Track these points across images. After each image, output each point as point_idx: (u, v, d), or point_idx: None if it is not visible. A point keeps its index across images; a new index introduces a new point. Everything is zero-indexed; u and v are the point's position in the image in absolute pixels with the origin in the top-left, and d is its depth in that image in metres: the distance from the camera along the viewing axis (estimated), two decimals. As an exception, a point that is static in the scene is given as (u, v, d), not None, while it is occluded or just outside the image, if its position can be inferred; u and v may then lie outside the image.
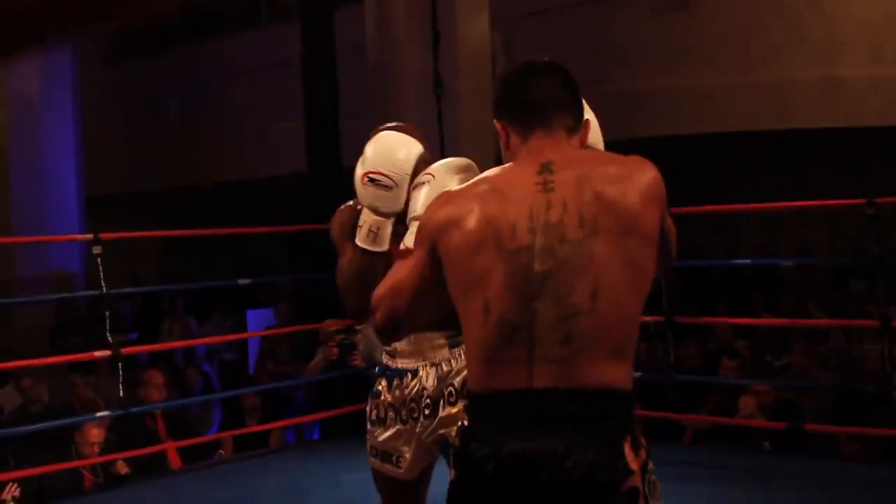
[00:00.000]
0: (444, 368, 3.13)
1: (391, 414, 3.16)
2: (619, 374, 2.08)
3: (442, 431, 3.11)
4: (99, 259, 6.08)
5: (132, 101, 15.47)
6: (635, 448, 2.08)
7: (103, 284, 5.92)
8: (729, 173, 11.73)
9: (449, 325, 2.98)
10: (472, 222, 2.13)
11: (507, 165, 2.26)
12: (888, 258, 6.04)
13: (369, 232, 3.00)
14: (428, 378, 3.13)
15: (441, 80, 8.54)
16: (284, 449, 7.36)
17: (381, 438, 3.18)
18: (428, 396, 3.13)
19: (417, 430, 3.14)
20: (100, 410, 6.47)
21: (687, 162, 12.13)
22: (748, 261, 9.22)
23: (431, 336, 3.11)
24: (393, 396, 3.16)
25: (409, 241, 2.58)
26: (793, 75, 10.20)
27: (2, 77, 12.47)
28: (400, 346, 3.14)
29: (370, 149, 3.03)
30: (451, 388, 3.11)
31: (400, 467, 3.18)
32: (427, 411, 3.13)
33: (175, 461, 6.77)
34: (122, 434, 6.67)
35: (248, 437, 7.35)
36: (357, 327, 7.71)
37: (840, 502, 5.37)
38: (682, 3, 10.79)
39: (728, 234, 12.44)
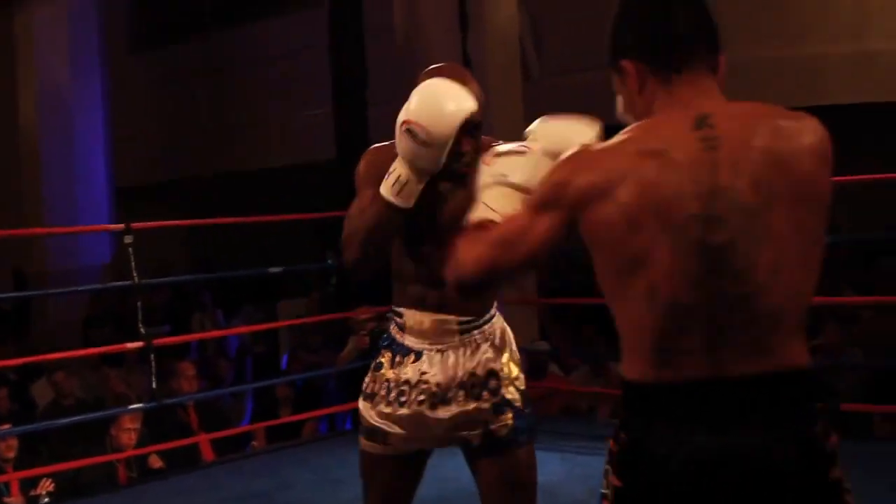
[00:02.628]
0: (452, 358, 2.94)
1: (383, 392, 2.98)
2: (804, 354, 1.84)
3: (464, 433, 2.97)
4: (130, 249, 6.06)
5: (161, 88, 15.48)
6: (830, 433, 1.84)
7: (135, 275, 5.90)
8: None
9: (467, 308, 2.92)
10: (626, 192, 1.80)
11: (653, 119, 1.90)
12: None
13: (396, 182, 2.75)
14: (432, 365, 2.94)
15: (470, 63, 8.49)
16: (317, 440, 7.33)
17: (368, 413, 3.01)
18: (426, 383, 2.94)
19: (406, 413, 2.96)
20: (132, 403, 6.46)
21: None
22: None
23: (445, 318, 2.93)
24: (395, 373, 2.98)
25: (484, 214, 2.14)
26: (824, 51, 10.09)
27: (32, 69, 12.51)
28: (411, 321, 2.95)
29: (416, 95, 2.75)
30: (472, 380, 2.95)
31: (388, 444, 3.01)
32: (422, 397, 2.94)
33: (208, 453, 6.77)
34: (154, 427, 6.67)
35: (281, 428, 7.34)
36: (388, 315, 7.68)
37: (875, 481, 5.28)
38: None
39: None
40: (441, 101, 2.72)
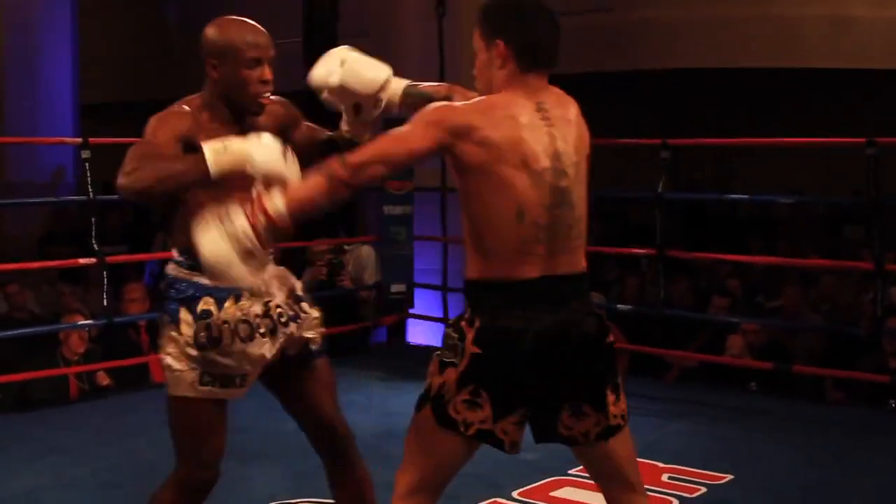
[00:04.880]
0: (276, 281, 3.14)
1: (227, 333, 3.00)
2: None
3: (308, 335, 3.17)
4: (87, 164, 5.99)
5: (130, 9, 15.28)
6: (601, 311, 2.77)
7: (90, 190, 5.84)
8: (732, 109, 11.64)
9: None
10: (498, 137, 2.56)
11: (508, 95, 2.64)
12: (886, 201, 5.97)
13: (223, 160, 2.85)
14: (271, 289, 3.10)
15: (445, 3, 8.42)
16: (268, 367, 7.32)
17: (220, 360, 3.01)
18: (278, 306, 3.09)
19: (276, 342, 3.07)
20: (85, 320, 6.43)
21: (690, 96, 12.03)
22: (744, 196, 9.12)
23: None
24: (228, 315, 3.01)
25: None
26: (802, 13, 10.06)
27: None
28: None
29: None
30: (302, 293, 3.21)
31: (244, 386, 3.09)
32: (283, 320, 3.09)
33: (158, 374, 6.74)
34: (105, 345, 6.64)
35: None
36: (346, 247, 7.67)
37: (822, 445, 5.35)
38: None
39: (725, 172, 12.37)
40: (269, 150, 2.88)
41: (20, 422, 5.55)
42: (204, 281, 2.98)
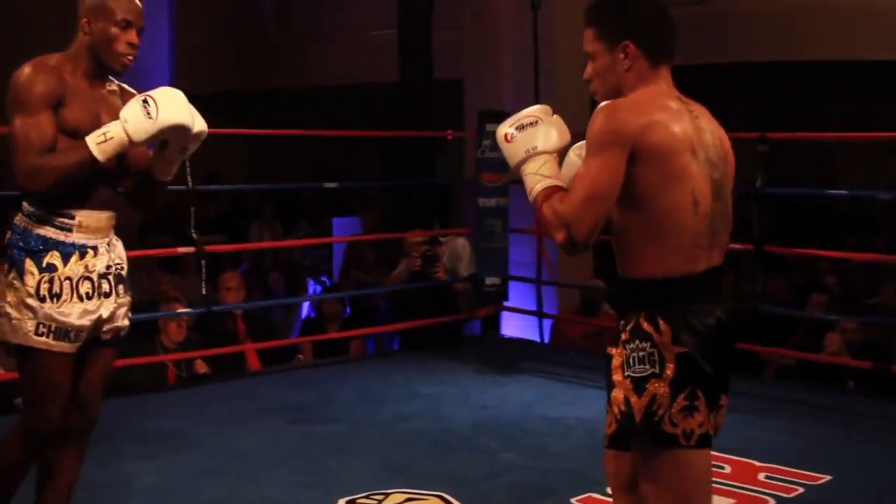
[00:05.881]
0: (114, 249, 3.34)
1: (68, 289, 3.21)
2: None
3: (120, 323, 3.36)
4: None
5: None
6: None
7: (189, 180, 5.90)
8: (831, 102, 11.45)
9: (113, 206, 3.33)
10: (671, 128, 2.54)
11: (651, 90, 2.63)
12: None
13: (108, 142, 3.12)
14: (110, 255, 3.32)
15: (538, 6, 8.40)
16: (364, 358, 7.37)
17: (57, 314, 3.19)
18: (109, 275, 3.31)
19: (108, 305, 3.30)
20: (183, 308, 6.52)
21: (788, 89, 11.86)
22: (843, 192, 8.95)
23: (107, 214, 3.30)
24: (71, 271, 3.22)
25: (544, 183, 2.65)
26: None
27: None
28: (79, 220, 3.23)
29: (158, 95, 3.18)
30: (121, 273, 3.37)
31: (78, 342, 3.25)
32: (107, 288, 3.30)
33: (254, 363, 6.82)
34: (203, 333, 6.72)
35: (329, 344, 7.38)
36: (442, 239, 7.69)
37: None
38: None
39: (825, 167, 12.17)
40: (177, 100, 3.19)
41: (119, 407, 5.62)
42: (51, 234, 3.21)
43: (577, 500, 4.31)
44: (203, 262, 6.24)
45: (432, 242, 7.55)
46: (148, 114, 3.12)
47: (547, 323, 8.01)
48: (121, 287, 3.37)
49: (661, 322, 2.52)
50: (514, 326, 8.02)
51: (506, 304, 7.78)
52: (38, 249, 3.21)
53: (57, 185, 3.13)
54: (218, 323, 6.82)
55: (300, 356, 7.30)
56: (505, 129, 2.76)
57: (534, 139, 2.71)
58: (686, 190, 2.51)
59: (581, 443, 5.16)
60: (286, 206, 13.25)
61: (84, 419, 3.41)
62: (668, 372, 2.50)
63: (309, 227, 12.26)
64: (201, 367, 6.43)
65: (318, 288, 9.58)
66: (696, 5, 10.54)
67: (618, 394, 2.57)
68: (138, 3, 3.32)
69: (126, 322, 3.41)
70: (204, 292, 6.34)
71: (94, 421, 3.45)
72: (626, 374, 2.55)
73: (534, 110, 2.78)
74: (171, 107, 3.17)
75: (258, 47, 15.05)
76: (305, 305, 8.72)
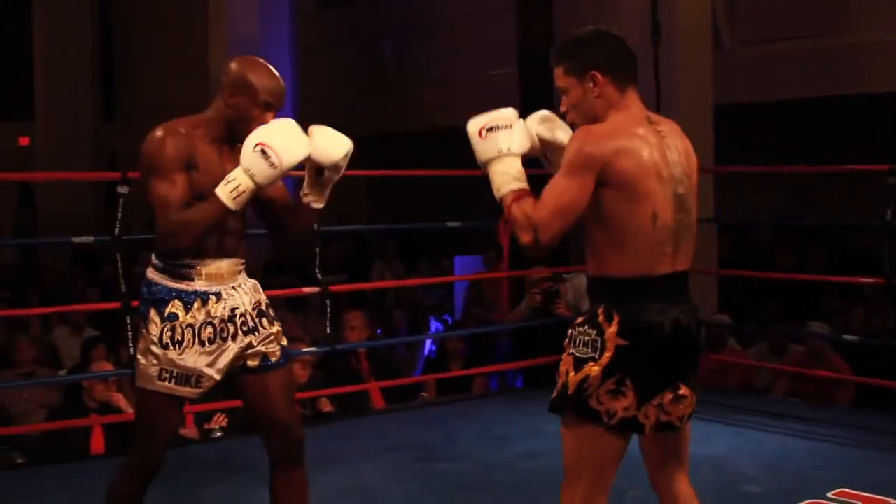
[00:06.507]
0: (246, 290, 3.44)
1: (189, 336, 3.33)
2: None
3: (266, 349, 3.43)
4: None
5: (347, 43, 15.64)
6: None
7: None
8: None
9: (240, 253, 3.44)
10: (639, 156, 2.83)
11: (622, 115, 2.91)
12: None
13: (235, 190, 3.21)
14: (240, 298, 3.41)
15: (659, 28, 8.33)
16: (487, 395, 7.36)
17: (179, 360, 3.33)
18: (243, 315, 3.40)
19: (235, 347, 3.38)
20: (306, 347, 6.59)
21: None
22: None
23: (231, 262, 3.41)
24: (193, 318, 3.34)
25: (514, 184, 2.97)
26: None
27: (223, 21, 12.80)
28: (199, 270, 3.35)
29: (275, 128, 3.27)
30: (267, 309, 3.49)
31: (200, 387, 3.39)
32: (245, 328, 3.40)
33: (378, 401, 6.85)
34: (327, 372, 6.78)
35: (452, 381, 7.38)
36: (565, 276, 7.66)
37: None
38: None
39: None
40: (292, 136, 3.26)
41: (245, 447, 5.69)
42: (174, 284, 3.35)
43: (706, 539, 4.23)
44: (327, 301, 6.30)
45: (555, 279, 7.53)
46: (271, 164, 3.20)
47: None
48: (264, 320, 3.47)
49: (614, 315, 2.85)
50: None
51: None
52: (162, 299, 3.36)
53: (198, 239, 3.26)
54: (342, 362, 6.87)
55: (424, 394, 7.31)
56: (479, 125, 3.04)
57: (507, 141, 3.01)
58: (646, 209, 2.84)
59: (709, 481, 5.07)
60: (408, 245, 13.34)
61: (287, 446, 3.49)
62: (604, 359, 2.84)
63: (430, 267, 12.31)
64: (325, 406, 6.48)
65: (440, 326, 9.59)
66: (829, 38, 10.42)
67: (562, 367, 2.94)
68: (282, 83, 3.43)
69: (274, 347, 3.47)
70: (328, 331, 6.40)
71: (297, 442, 3.51)
72: (570, 351, 2.93)
73: (506, 114, 3.06)
74: (291, 147, 3.24)
75: (378, 92, 15.21)
76: (428, 343, 8.74)
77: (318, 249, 6.20)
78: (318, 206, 3.46)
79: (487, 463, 5.41)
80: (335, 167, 3.39)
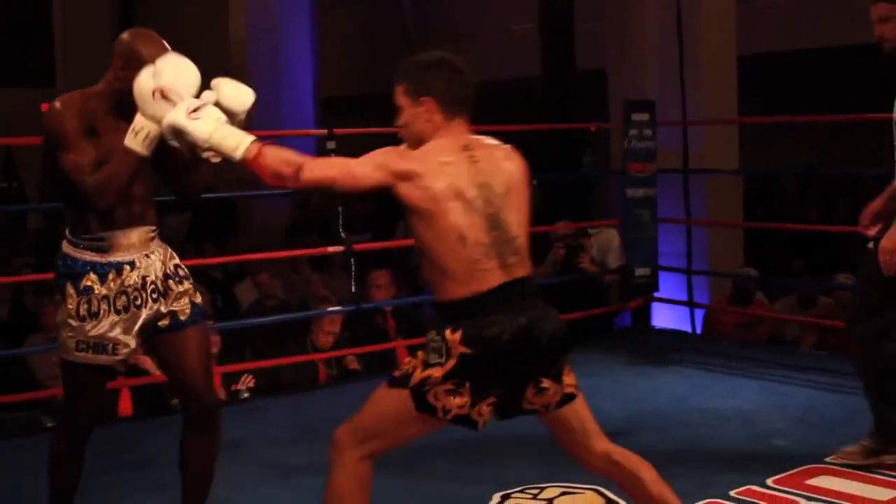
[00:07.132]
0: (159, 256, 3.51)
1: (104, 306, 3.41)
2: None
3: (175, 307, 3.51)
4: (332, 154, 6.11)
5: (367, 4, 15.56)
6: None
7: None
8: None
9: (149, 220, 3.50)
10: (436, 180, 3.00)
11: (440, 141, 3.08)
12: None
13: (146, 138, 3.28)
14: (151, 267, 3.48)
15: (681, 9, 8.28)
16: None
17: (94, 332, 3.41)
18: (153, 283, 3.47)
19: (144, 315, 3.45)
20: (332, 306, 6.58)
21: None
22: None
23: (141, 230, 3.47)
24: (108, 289, 3.41)
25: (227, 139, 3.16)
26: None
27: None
28: (112, 241, 3.42)
29: (166, 68, 3.28)
30: (176, 270, 3.55)
31: (117, 355, 3.46)
32: (154, 295, 3.48)
33: (405, 359, 6.83)
34: (353, 331, 6.78)
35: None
36: (591, 231, 7.62)
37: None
38: None
39: None
40: (187, 73, 3.31)
41: (274, 405, 5.71)
42: (88, 257, 3.42)
43: (736, 493, 4.22)
44: (352, 260, 6.29)
45: (579, 234, 7.50)
46: (172, 103, 3.22)
47: (699, 313, 7.88)
48: (171, 282, 3.53)
49: (459, 332, 2.99)
50: (664, 317, 7.91)
51: (656, 294, 7.68)
52: (77, 273, 3.43)
53: (122, 191, 3.33)
54: (368, 320, 6.87)
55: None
56: (182, 115, 3.14)
57: (214, 112, 3.17)
58: (451, 233, 2.99)
59: (737, 435, 5.06)
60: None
61: (199, 410, 3.54)
62: (448, 365, 2.99)
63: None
64: (352, 364, 6.49)
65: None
66: None
67: (413, 358, 3.08)
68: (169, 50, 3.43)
69: (183, 304, 3.54)
70: (353, 290, 6.39)
71: (210, 405, 3.56)
72: (419, 352, 3.07)
73: (186, 90, 3.23)
74: (181, 77, 3.29)
75: (397, 50, 15.15)
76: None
77: (340, 209, 6.18)
78: (216, 160, 3.43)
79: (516, 419, 5.39)
80: (244, 115, 3.42)
